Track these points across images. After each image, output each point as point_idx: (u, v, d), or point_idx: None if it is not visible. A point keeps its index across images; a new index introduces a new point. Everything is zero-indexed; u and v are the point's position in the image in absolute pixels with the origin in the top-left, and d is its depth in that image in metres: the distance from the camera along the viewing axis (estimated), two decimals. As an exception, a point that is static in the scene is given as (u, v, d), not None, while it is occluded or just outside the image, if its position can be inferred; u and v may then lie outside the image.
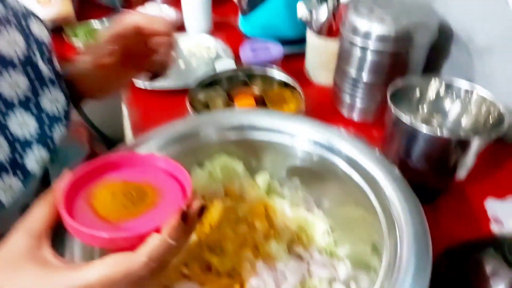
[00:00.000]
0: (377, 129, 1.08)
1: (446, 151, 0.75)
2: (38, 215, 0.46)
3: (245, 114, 0.81)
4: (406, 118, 0.75)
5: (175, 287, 0.63)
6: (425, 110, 0.92)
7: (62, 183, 0.48)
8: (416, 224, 0.60)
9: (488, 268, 0.67)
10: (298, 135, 0.78)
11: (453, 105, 0.89)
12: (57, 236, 0.48)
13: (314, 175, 0.81)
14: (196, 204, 0.46)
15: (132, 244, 0.43)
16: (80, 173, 0.50)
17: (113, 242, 0.43)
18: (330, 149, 0.75)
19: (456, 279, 0.70)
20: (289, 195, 0.84)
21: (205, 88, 1.10)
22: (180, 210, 0.45)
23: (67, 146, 0.76)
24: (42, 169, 0.67)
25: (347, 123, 1.12)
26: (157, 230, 0.44)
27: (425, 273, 0.54)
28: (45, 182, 0.69)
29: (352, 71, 1.03)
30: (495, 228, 0.83)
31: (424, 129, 0.73)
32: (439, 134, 0.73)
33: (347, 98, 1.09)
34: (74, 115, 0.84)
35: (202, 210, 0.47)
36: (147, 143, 0.73)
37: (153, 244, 0.42)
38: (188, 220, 0.45)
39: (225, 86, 1.13)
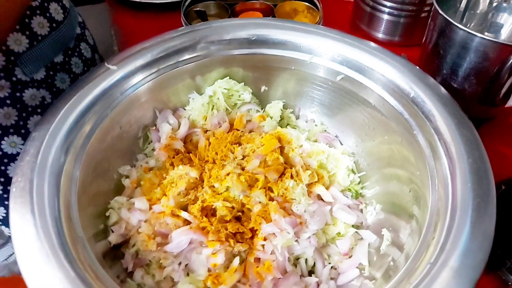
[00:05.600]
0: (407, 51, 0.91)
1: (502, 65, 0.60)
2: None
3: (252, 25, 0.64)
4: (457, 23, 0.59)
5: (173, 234, 0.52)
6: (474, 23, 0.75)
7: None
8: (473, 159, 0.47)
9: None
10: (318, 49, 0.62)
11: (509, 17, 0.72)
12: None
13: (337, 101, 0.66)
14: None
15: None
16: None
17: None
18: (359, 67, 0.60)
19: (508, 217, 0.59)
20: (307, 128, 0.71)
21: (202, 1, 0.92)
22: None
23: None
24: None
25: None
26: None
27: (489, 218, 0.42)
28: None
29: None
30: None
31: (480, 35, 0.57)
32: (499, 41, 0.57)
33: (372, 11, 0.91)
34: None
35: None
36: (133, 59, 0.58)
37: None
38: None
39: (227, -1, 0.95)
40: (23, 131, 0.59)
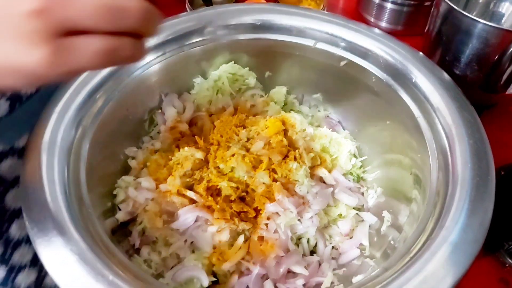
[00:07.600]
0: (410, 40, 0.91)
1: (504, 52, 0.60)
2: None
3: (257, 10, 0.65)
4: (459, 8, 0.60)
5: (179, 212, 0.53)
6: (476, 12, 0.76)
7: None
8: (474, 140, 0.48)
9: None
10: (321, 34, 0.63)
11: (510, 6, 0.73)
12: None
13: (340, 87, 0.67)
14: None
15: None
16: None
17: None
18: (363, 52, 0.61)
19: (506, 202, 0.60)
20: (310, 113, 0.72)
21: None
22: None
23: None
24: None
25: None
26: None
27: (488, 196, 0.44)
28: None
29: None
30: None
31: (483, 21, 0.58)
32: (502, 27, 0.58)
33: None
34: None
35: None
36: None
37: None
38: None
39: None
40: None
